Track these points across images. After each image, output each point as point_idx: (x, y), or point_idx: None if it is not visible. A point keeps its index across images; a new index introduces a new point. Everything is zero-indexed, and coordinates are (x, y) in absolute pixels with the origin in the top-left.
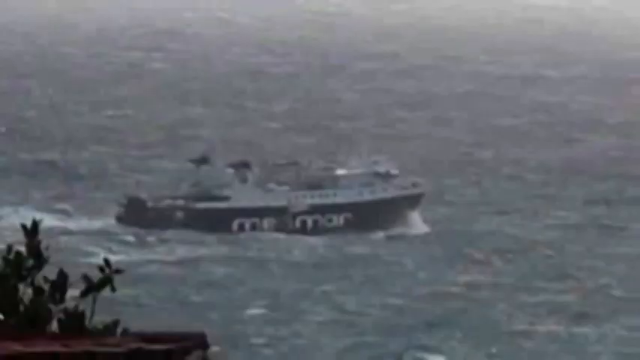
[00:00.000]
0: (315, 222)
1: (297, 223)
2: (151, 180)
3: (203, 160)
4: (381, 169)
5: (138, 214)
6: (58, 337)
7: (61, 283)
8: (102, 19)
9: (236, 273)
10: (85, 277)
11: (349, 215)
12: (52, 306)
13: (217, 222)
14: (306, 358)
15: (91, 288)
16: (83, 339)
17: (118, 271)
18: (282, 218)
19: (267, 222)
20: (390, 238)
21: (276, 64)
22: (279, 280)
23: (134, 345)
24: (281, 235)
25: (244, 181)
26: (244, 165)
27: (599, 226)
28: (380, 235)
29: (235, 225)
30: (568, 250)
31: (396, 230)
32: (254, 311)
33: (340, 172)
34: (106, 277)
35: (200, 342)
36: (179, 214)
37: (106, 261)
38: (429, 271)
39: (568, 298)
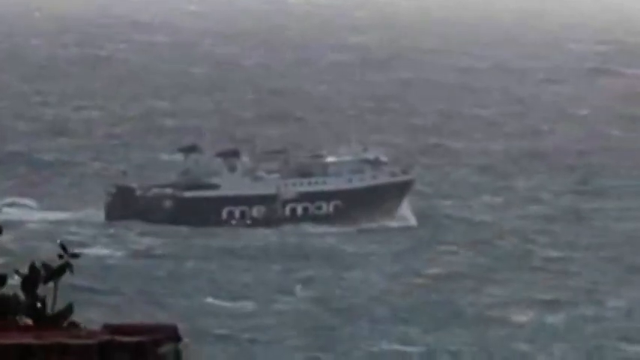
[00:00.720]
0: (305, 209)
1: (287, 211)
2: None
3: (192, 149)
4: (371, 156)
5: (126, 203)
6: (29, 329)
7: (32, 277)
8: (67, 9)
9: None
10: (44, 265)
11: (339, 202)
12: (22, 299)
13: (206, 211)
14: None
15: (52, 275)
16: (55, 331)
17: (74, 255)
18: (272, 206)
19: (256, 210)
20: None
21: (247, 56)
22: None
23: (106, 337)
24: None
25: (233, 169)
26: (233, 153)
27: (567, 216)
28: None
29: (225, 213)
30: (537, 240)
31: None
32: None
33: (329, 159)
34: (65, 262)
35: (172, 334)
36: (168, 203)
37: (63, 246)
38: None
39: (537, 287)
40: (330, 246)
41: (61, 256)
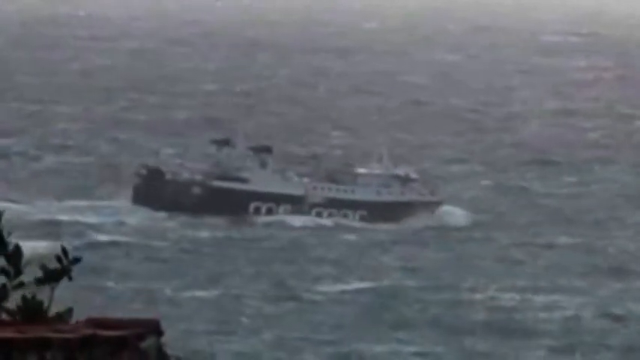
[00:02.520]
0: (330, 215)
1: (313, 214)
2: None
3: (225, 142)
4: (401, 172)
5: (155, 186)
6: (12, 324)
7: (15, 258)
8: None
9: None
10: (43, 267)
11: (364, 213)
12: (7, 282)
13: (234, 203)
14: None
15: (49, 277)
16: (37, 325)
17: (76, 260)
18: (298, 207)
19: (282, 209)
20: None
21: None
22: None
23: (88, 331)
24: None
25: (264, 165)
26: (265, 149)
27: (535, 212)
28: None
29: (252, 208)
30: (497, 237)
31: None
32: None
33: (360, 170)
34: (64, 267)
35: (154, 328)
36: (196, 190)
37: (64, 250)
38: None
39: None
40: None
41: (59, 260)
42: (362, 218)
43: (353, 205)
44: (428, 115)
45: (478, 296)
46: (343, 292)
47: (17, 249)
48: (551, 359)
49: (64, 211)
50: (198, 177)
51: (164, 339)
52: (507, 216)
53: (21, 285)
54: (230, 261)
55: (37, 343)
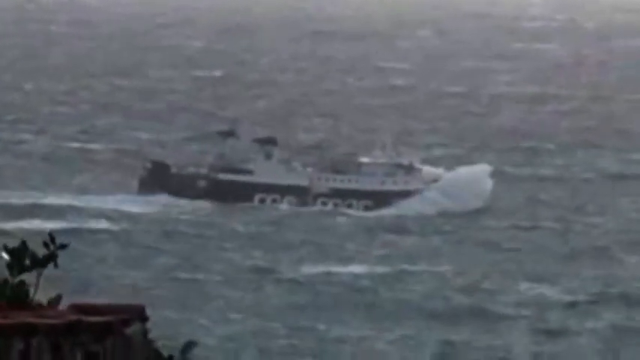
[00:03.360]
0: (335, 205)
1: (318, 204)
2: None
3: (229, 134)
4: (405, 161)
5: (160, 179)
6: None
7: (20, 254)
8: None
9: None
10: (31, 253)
11: (369, 202)
12: (9, 277)
13: (239, 194)
14: None
15: (36, 263)
16: (23, 311)
17: (62, 247)
18: (303, 198)
19: (287, 200)
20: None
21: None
22: None
23: (73, 317)
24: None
25: (269, 157)
26: (270, 141)
27: (518, 195)
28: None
29: (256, 199)
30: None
31: None
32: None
33: (363, 159)
34: (51, 253)
35: (139, 314)
36: (201, 183)
37: (51, 236)
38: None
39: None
40: None
41: (47, 246)
42: (366, 208)
43: (357, 195)
44: (410, 100)
45: (459, 281)
46: (327, 274)
47: (23, 245)
48: (530, 343)
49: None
50: (203, 170)
51: (149, 324)
52: (492, 200)
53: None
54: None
55: (23, 329)
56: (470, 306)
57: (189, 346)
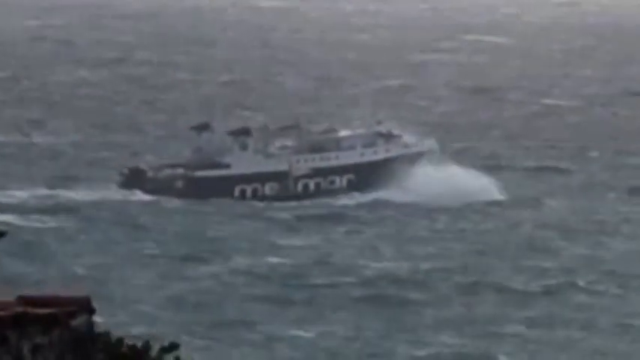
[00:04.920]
0: (318, 185)
1: (300, 187)
2: None
3: (204, 127)
4: (384, 129)
5: (138, 184)
6: None
7: None
8: None
9: None
10: None
11: (352, 177)
12: None
13: (218, 190)
14: None
15: None
16: None
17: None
18: (284, 183)
19: (268, 187)
20: None
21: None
22: None
23: (19, 309)
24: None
25: (245, 147)
26: (244, 132)
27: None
28: None
29: (237, 192)
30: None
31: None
32: None
33: (342, 133)
34: None
35: (85, 306)
36: (179, 184)
37: None
38: None
39: None
40: None
41: None
42: (349, 183)
43: (339, 171)
44: (345, 94)
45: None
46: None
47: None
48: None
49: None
50: (180, 170)
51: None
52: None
53: None
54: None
55: None
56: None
57: (172, 346)
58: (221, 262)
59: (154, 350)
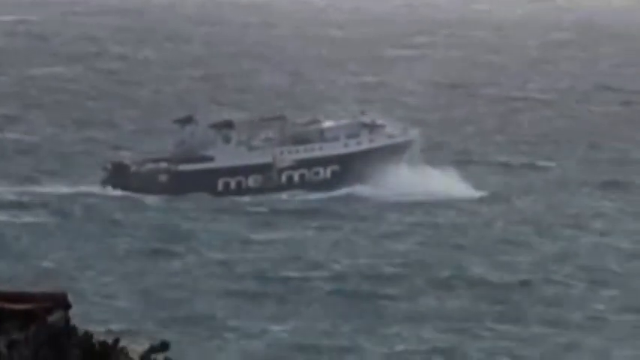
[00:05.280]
0: (302, 176)
1: (284, 179)
2: None
3: (187, 120)
4: (367, 119)
5: (122, 179)
6: None
7: None
8: None
9: None
10: None
11: (336, 168)
12: None
13: (202, 183)
14: None
15: None
16: None
17: None
18: (268, 175)
19: (252, 180)
20: None
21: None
22: None
23: None
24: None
25: (228, 140)
26: (227, 125)
27: None
28: None
29: (220, 185)
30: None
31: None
32: None
33: (326, 124)
34: None
35: (61, 302)
36: (162, 178)
37: None
38: None
39: None
40: None
41: None
42: (333, 174)
43: (323, 162)
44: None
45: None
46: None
47: None
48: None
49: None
50: (163, 164)
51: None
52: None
53: None
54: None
55: None
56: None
57: (163, 346)
58: (195, 257)
59: (144, 348)
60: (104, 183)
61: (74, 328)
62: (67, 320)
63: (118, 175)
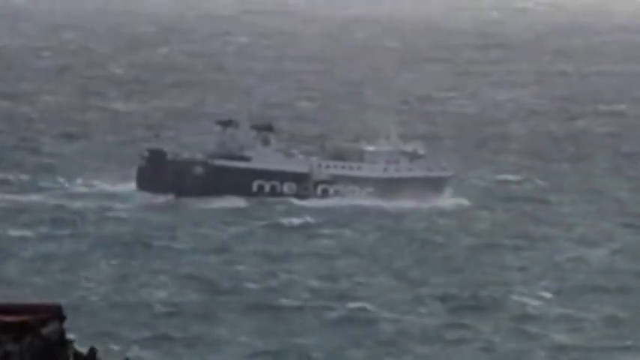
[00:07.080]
0: (337, 192)
1: (319, 191)
2: None
3: (229, 123)
4: (409, 148)
5: (158, 167)
6: None
7: None
8: None
9: None
10: None
11: (371, 189)
12: None
13: (236, 181)
14: None
15: None
16: None
17: None
18: (303, 185)
19: (287, 186)
20: None
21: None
22: None
23: None
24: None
25: (266, 143)
26: (267, 128)
27: None
28: None
29: (255, 186)
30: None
31: None
32: None
33: (367, 147)
34: None
35: (56, 313)
36: (198, 169)
37: None
38: None
39: None
40: None
41: None
42: (369, 194)
43: (359, 182)
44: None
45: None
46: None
47: None
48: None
49: None
50: (200, 156)
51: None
52: None
53: None
54: None
55: None
56: None
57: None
58: None
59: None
60: (140, 170)
61: (69, 341)
62: (62, 332)
63: (155, 162)
